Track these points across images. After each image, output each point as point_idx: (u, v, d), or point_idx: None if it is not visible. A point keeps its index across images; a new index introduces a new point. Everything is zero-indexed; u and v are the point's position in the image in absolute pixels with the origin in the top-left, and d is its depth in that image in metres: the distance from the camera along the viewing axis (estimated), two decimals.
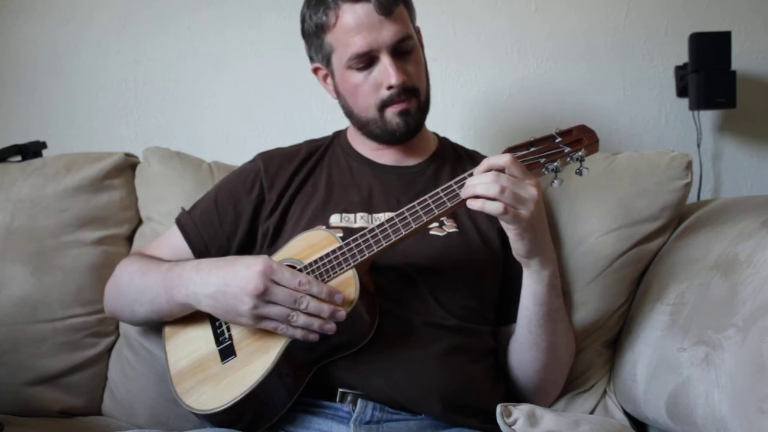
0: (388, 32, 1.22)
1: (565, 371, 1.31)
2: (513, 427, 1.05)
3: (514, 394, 1.29)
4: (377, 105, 1.27)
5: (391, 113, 1.27)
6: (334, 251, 1.16)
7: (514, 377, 1.28)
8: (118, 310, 1.35)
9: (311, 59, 1.35)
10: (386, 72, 1.23)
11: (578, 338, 1.33)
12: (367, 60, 1.24)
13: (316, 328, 1.08)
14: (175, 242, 1.34)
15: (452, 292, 1.23)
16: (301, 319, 1.08)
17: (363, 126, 1.32)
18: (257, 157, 1.40)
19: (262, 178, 1.35)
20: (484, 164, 1.07)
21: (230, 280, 1.11)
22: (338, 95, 1.33)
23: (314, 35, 1.29)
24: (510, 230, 1.09)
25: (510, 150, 1.10)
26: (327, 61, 1.30)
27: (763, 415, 0.91)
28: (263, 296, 1.09)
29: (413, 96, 1.27)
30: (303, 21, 1.31)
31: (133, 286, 1.29)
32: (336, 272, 1.15)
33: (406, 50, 1.25)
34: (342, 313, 1.08)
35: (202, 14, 1.89)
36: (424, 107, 1.31)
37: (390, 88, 1.24)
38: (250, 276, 1.09)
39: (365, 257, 1.14)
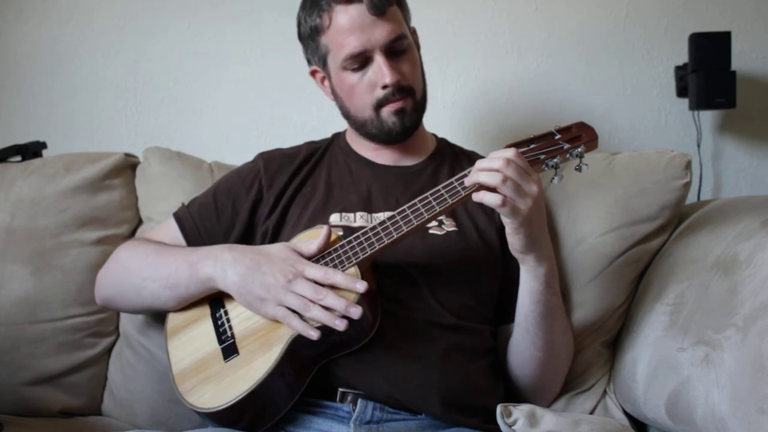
0: (381, 32, 1.23)
1: (564, 370, 1.31)
2: (513, 428, 1.05)
3: (514, 393, 1.30)
4: (373, 105, 1.27)
5: (387, 112, 1.28)
6: (336, 249, 1.17)
7: (513, 376, 1.28)
8: (117, 294, 1.33)
9: (309, 62, 1.35)
10: (380, 72, 1.24)
11: (578, 338, 1.33)
12: (361, 60, 1.25)
13: (327, 321, 1.08)
14: (170, 233, 1.34)
15: (452, 291, 1.23)
16: (314, 311, 1.09)
17: (360, 126, 1.32)
18: (258, 157, 1.41)
19: (261, 178, 1.35)
20: (488, 156, 1.08)
21: (264, 265, 1.15)
22: (335, 97, 1.34)
23: (310, 38, 1.30)
24: (507, 224, 1.09)
25: (510, 147, 1.11)
26: (323, 63, 1.31)
27: (763, 415, 0.91)
28: (289, 284, 1.12)
29: (408, 95, 1.28)
30: (299, 24, 1.32)
31: (148, 264, 1.28)
32: (338, 269, 1.15)
33: (400, 50, 1.26)
34: (357, 310, 1.08)
35: (202, 14, 1.89)
36: (419, 106, 1.31)
37: (385, 87, 1.25)
38: (283, 264, 1.14)
39: (367, 254, 1.14)
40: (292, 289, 1.12)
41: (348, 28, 1.23)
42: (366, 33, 1.23)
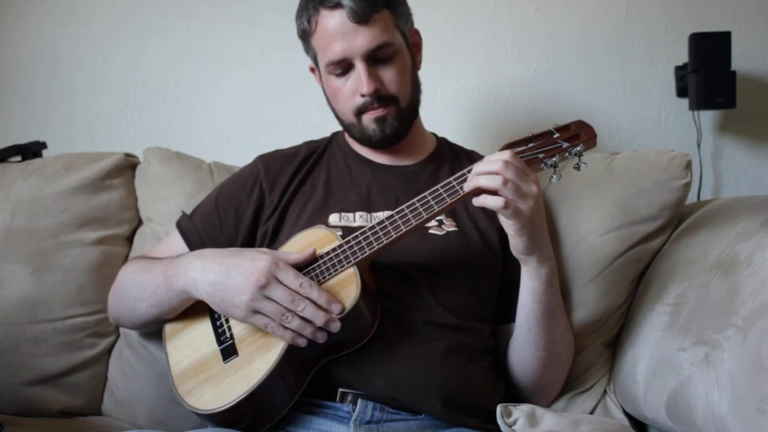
0: (361, 40, 1.22)
1: (565, 370, 1.31)
2: (513, 428, 1.05)
3: (514, 393, 1.30)
4: (353, 111, 1.28)
5: (367, 120, 1.28)
6: (334, 249, 1.16)
7: (514, 376, 1.28)
8: (122, 314, 1.35)
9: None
10: (359, 80, 1.24)
11: (578, 338, 1.33)
12: (343, 66, 1.25)
13: (308, 333, 1.09)
14: (176, 248, 1.34)
15: (452, 291, 1.23)
16: (295, 322, 1.09)
17: (346, 129, 1.34)
18: (257, 160, 1.40)
19: (262, 182, 1.35)
20: (485, 160, 1.08)
21: (233, 270, 1.12)
22: (325, 96, 1.35)
23: (303, 38, 1.32)
24: (509, 226, 1.09)
25: (509, 146, 1.11)
26: (316, 63, 1.33)
27: (763, 415, 0.91)
28: (262, 290, 1.09)
29: (390, 104, 1.27)
30: (296, 24, 1.33)
31: (135, 284, 1.29)
32: (337, 270, 1.15)
33: (384, 57, 1.25)
34: (336, 325, 1.09)
35: (202, 14, 1.89)
36: (405, 114, 1.30)
37: (363, 95, 1.25)
38: (254, 269, 1.10)
39: (366, 254, 1.14)
40: (267, 295, 1.10)
41: (331, 34, 1.23)
42: (346, 40, 1.22)
